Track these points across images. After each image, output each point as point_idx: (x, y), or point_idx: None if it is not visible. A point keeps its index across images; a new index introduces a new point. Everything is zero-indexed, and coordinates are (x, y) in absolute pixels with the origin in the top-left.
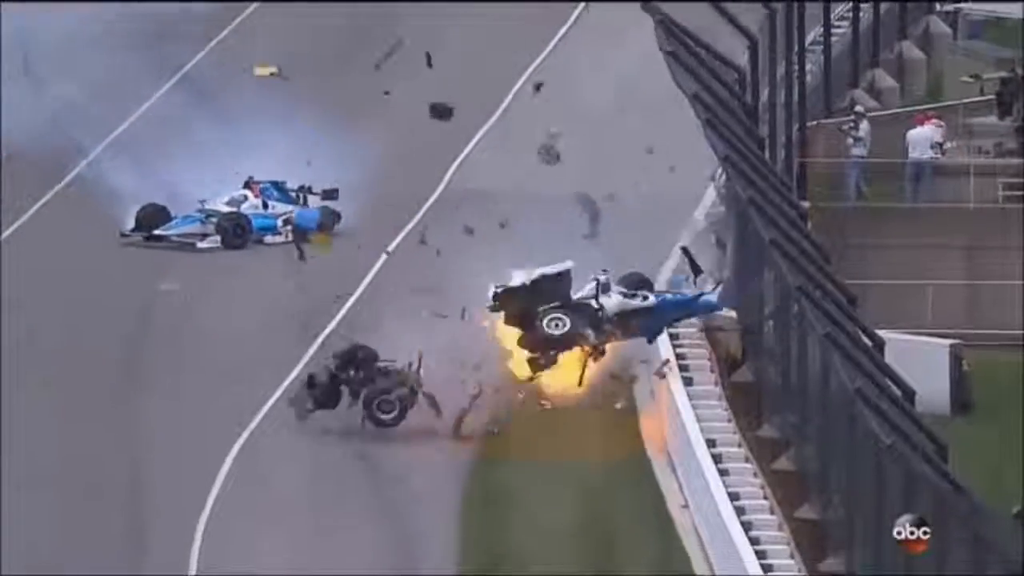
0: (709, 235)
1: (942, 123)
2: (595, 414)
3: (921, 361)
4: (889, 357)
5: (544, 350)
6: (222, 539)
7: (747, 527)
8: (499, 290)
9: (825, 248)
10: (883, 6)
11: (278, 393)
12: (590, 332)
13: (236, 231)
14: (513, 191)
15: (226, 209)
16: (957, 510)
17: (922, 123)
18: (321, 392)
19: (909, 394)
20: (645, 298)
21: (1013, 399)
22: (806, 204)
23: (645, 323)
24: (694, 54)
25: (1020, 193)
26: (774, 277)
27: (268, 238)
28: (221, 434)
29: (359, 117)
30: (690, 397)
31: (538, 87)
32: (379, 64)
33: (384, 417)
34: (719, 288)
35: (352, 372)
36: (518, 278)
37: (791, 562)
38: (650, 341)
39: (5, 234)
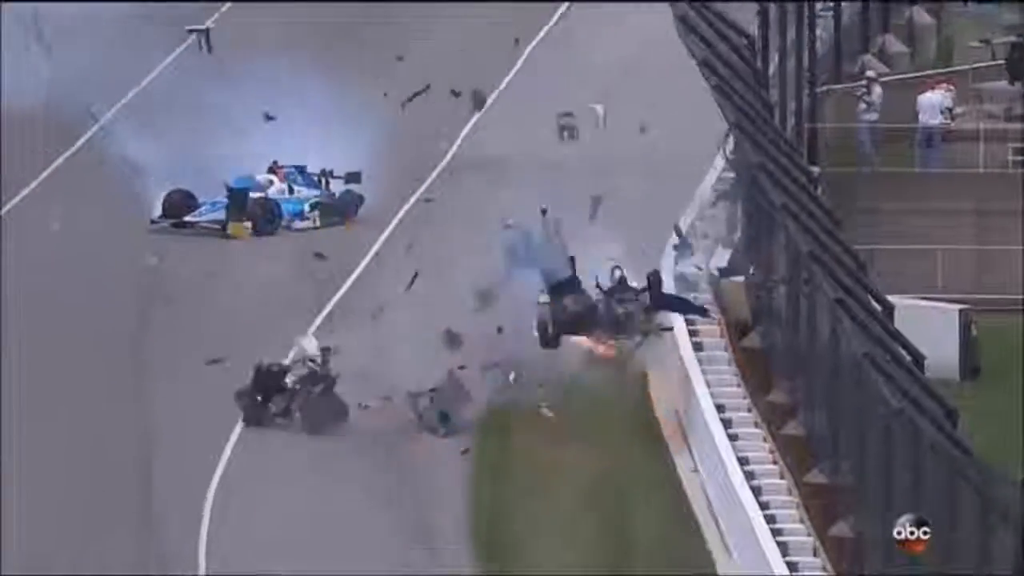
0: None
1: (952, 88)
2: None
3: (930, 326)
4: (898, 322)
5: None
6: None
7: (757, 492)
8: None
9: (835, 213)
10: None
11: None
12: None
13: (268, 217)
14: None
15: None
16: (966, 474)
17: (932, 88)
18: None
19: (918, 359)
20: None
21: (1022, 363)
22: (816, 169)
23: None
24: (705, 19)
25: None
26: (784, 242)
27: (297, 223)
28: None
29: None
30: (700, 363)
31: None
32: (404, 104)
33: (317, 418)
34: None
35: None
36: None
37: (800, 526)
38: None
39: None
